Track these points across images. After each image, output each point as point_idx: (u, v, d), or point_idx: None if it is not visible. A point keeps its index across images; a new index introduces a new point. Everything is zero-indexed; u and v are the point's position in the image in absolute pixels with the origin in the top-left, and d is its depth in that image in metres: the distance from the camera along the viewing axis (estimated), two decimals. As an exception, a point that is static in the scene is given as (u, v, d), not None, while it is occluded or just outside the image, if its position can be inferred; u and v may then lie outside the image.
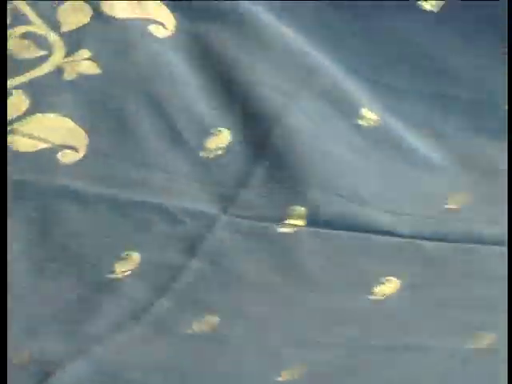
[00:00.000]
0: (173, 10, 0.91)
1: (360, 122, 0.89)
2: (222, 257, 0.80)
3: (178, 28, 0.91)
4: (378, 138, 0.90)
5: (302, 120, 0.89)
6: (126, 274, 0.76)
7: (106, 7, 0.89)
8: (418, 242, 0.82)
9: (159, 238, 0.79)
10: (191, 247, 0.79)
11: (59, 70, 0.86)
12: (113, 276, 0.76)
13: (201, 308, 0.73)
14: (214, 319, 0.72)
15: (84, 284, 0.75)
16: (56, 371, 0.68)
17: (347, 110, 0.90)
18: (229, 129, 0.87)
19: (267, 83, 0.89)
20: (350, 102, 0.90)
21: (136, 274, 0.76)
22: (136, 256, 0.77)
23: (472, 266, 0.79)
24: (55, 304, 0.75)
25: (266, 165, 0.86)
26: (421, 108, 0.95)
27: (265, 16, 0.91)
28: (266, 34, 0.92)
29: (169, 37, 0.90)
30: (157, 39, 0.89)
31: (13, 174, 0.79)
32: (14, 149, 0.82)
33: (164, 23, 0.90)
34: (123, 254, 0.77)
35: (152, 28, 0.89)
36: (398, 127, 0.92)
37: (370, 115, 0.90)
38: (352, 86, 0.92)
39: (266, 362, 0.68)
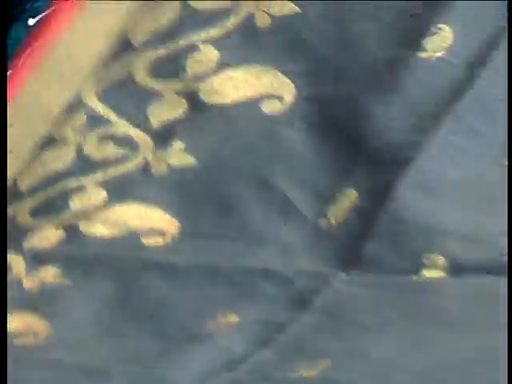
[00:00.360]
0: (294, 77, 0.82)
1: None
2: (339, 308, 0.76)
3: (297, 97, 0.82)
4: None
5: (439, 160, 0.82)
6: (219, 328, 0.72)
7: (205, 95, 0.82)
8: None
9: (263, 300, 0.75)
10: (301, 303, 0.75)
11: (146, 166, 0.81)
12: (203, 331, 0.71)
13: (309, 354, 0.70)
14: (324, 362, 0.68)
15: (169, 337, 0.72)
16: None
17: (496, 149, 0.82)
18: (355, 189, 0.82)
19: (397, 125, 0.82)
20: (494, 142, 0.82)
21: (232, 328, 0.71)
22: (233, 316, 0.73)
23: None
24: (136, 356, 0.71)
25: (393, 214, 0.80)
26: None
27: None
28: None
29: (284, 111, 0.81)
30: (269, 117, 0.81)
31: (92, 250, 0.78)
32: (98, 235, 0.79)
33: (281, 95, 0.81)
34: (218, 315, 0.72)
35: (264, 105, 0.81)
36: None
37: None
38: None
39: None
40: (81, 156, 0.80)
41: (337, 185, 0.81)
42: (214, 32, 0.81)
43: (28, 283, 0.74)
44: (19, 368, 0.64)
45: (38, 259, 0.77)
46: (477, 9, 0.80)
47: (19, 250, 0.77)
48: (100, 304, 0.75)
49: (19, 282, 0.75)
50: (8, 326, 0.67)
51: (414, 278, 0.75)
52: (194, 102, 0.81)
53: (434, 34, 0.77)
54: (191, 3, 0.82)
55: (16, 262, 0.76)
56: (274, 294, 0.74)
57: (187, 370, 0.65)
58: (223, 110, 0.81)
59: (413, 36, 0.79)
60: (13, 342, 0.68)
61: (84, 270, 0.78)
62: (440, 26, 0.77)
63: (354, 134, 0.81)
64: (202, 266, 0.77)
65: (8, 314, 0.68)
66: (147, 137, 0.80)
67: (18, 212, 0.77)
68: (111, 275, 0.78)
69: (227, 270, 0.76)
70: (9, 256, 0.75)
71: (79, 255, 0.78)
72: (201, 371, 0.66)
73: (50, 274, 0.74)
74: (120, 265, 0.78)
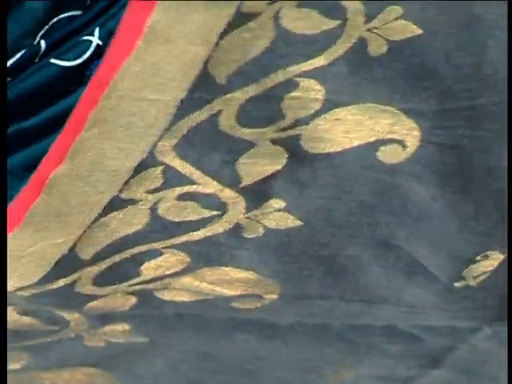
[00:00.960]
0: (417, 117, 0.73)
1: None
2: (477, 365, 0.68)
3: (423, 142, 0.73)
4: None
5: None
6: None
7: (308, 142, 0.73)
8: None
9: (384, 356, 0.67)
10: (432, 360, 0.67)
11: (237, 229, 0.73)
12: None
13: None
14: None
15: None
16: None
17: None
18: (499, 250, 0.75)
19: None
20: None
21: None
22: (347, 371, 0.66)
23: None
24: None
25: None
26: None
27: None
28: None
29: (408, 159, 0.72)
30: (388, 167, 0.72)
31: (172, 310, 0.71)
32: (179, 299, 0.73)
33: (404, 139, 0.72)
34: (326, 371, 0.65)
35: (383, 152, 0.72)
36: None
37: None
38: None
39: None
40: (155, 219, 0.72)
41: (479, 248, 0.74)
42: (316, 62, 0.71)
43: (91, 341, 0.66)
44: None
45: (103, 319, 0.68)
46: None
47: (79, 311, 0.70)
48: (179, 356, 0.65)
49: (79, 339, 0.65)
50: (71, 377, 0.61)
51: None
52: (295, 151, 0.72)
53: None
54: (287, 26, 0.70)
55: (75, 320, 0.67)
56: (398, 351, 0.66)
57: None
58: (331, 160, 0.72)
59: None
60: None
61: (161, 327, 0.68)
62: None
63: (494, 188, 0.73)
64: (307, 324, 0.69)
65: (63, 372, 0.61)
66: (238, 195, 0.71)
67: (79, 281, 0.70)
68: (194, 331, 0.68)
69: (339, 328, 0.68)
70: (67, 315, 0.68)
71: (156, 314, 0.70)
72: None
73: (118, 331, 0.67)
74: (206, 323, 0.69)
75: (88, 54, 0.87)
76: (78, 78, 0.84)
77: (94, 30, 0.86)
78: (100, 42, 0.86)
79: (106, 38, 0.85)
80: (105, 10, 0.85)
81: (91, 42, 0.85)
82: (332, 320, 0.69)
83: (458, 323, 0.71)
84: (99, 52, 0.85)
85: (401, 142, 0.70)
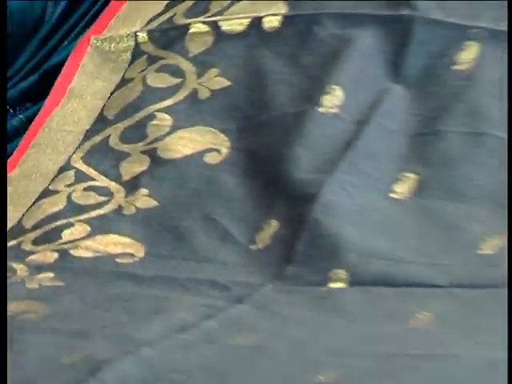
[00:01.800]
0: (228, 134, 1.07)
1: (392, 195, 1.03)
2: (267, 303, 0.92)
3: (231, 149, 1.06)
4: (410, 207, 1.04)
5: (338, 194, 1.02)
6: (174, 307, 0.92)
7: (162, 152, 1.07)
8: (456, 290, 0.94)
9: (209, 298, 0.94)
10: (238, 300, 0.92)
11: (120, 208, 1.05)
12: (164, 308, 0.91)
13: (244, 328, 0.85)
14: (253, 336, 0.84)
15: (137, 312, 0.91)
16: (103, 368, 0.75)
17: (380, 185, 1.04)
18: (276, 219, 1.01)
19: (304, 168, 1.04)
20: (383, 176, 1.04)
21: (186, 308, 0.92)
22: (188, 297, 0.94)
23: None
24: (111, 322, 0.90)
25: (307, 239, 0.98)
26: None
27: None
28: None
29: (221, 161, 1.06)
30: (210, 167, 1.06)
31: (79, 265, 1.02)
32: (84, 257, 1.01)
33: (219, 148, 1.05)
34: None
35: (207, 157, 1.06)
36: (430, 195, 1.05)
37: (400, 189, 1.04)
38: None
39: (306, 366, 0.77)
40: (70, 203, 1.05)
41: (262, 217, 1.03)
42: (167, 103, 1.06)
43: (30, 284, 0.98)
44: (24, 334, 0.86)
45: (38, 269, 1.02)
46: (364, 70, 1.02)
47: (23, 263, 1.02)
48: (83, 293, 0.97)
49: (22, 283, 0.98)
50: (11, 308, 0.90)
51: (322, 289, 0.94)
52: (154, 158, 1.06)
53: (328, 93, 0.98)
54: (150, 83, 1.08)
55: (20, 269, 0.99)
56: (216, 294, 0.95)
57: (151, 332, 0.85)
58: (176, 163, 1.05)
59: (313, 94, 1.02)
60: (16, 318, 0.89)
61: (73, 274, 1.01)
62: (333, 86, 0.99)
63: (274, 176, 1.04)
64: (163, 276, 0.99)
65: (13, 303, 0.92)
66: (120, 187, 1.03)
67: (23, 242, 1.03)
68: (92, 278, 1.01)
69: (181, 279, 0.98)
70: (15, 265, 1.01)
71: (69, 266, 1.02)
72: (160, 332, 0.85)
73: (47, 278, 0.99)
74: (100, 275, 1.01)
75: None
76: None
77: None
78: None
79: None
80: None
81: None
82: (177, 274, 0.99)
83: (252, 279, 0.97)
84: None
85: (218, 150, 1.02)
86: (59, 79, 1.17)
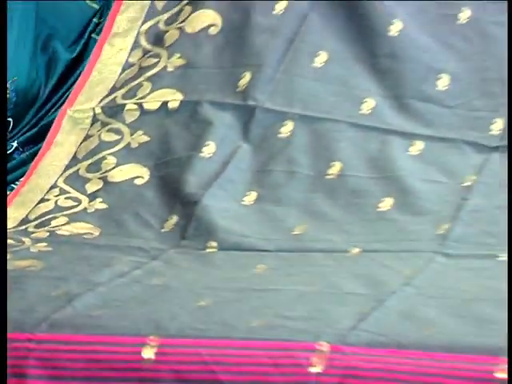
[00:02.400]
0: (151, 166, 1.66)
1: (243, 202, 1.63)
2: (171, 260, 1.52)
3: (150, 176, 1.65)
4: (253, 209, 1.63)
5: (211, 201, 1.62)
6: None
7: (110, 178, 1.64)
8: (279, 253, 1.53)
9: (136, 256, 1.52)
10: (154, 257, 1.51)
11: (85, 209, 1.64)
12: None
13: (158, 275, 1.42)
14: (164, 279, 1.39)
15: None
16: (75, 299, 1.29)
17: (236, 197, 1.64)
18: (176, 215, 1.62)
19: (192, 186, 1.63)
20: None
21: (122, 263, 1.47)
22: (125, 257, 1.50)
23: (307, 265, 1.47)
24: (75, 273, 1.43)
25: (194, 226, 1.59)
26: None
27: None
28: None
29: (144, 183, 1.64)
30: (138, 186, 1.65)
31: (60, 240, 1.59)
32: (60, 233, 1.61)
33: (143, 176, 1.65)
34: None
35: (136, 181, 1.66)
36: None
37: (247, 199, 1.62)
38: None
39: (194, 296, 1.27)
40: (56, 205, 1.64)
41: (168, 214, 1.63)
42: (113, 150, 1.64)
43: (32, 249, 1.55)
44: (28, 279, 1.41)
45: (37, 241, 1.55)
46: (226, 134, 1.68)
47: (28, 237, 1.57)
48: (65, 258, 1.49)
49: (28, 249, 1.55)
50: (21, 264, 1.44)
51: (202, 252, 1.53)
52: (105, 181, 1.64)
53: (206, 145, 1.60)
54: (103, 138, 1.66)
55: (27, 241, 1.56)
56: (141, 255, 1.51)
57: (103, 277, 1.36)
58: (118, 184, 1.64)
59: (197, 146, 1.63)
60: (24, 270, 1.45)
61: (57, 244, 1.55)
62: (208, 141, 1.61)
63: (175, 191, 1.63)
64: (110, 245, 1.56)
65: (22, 261, 1.46)
66: (85, 197, 1.62)
67: (28, 227, 1.60)
68: (71, 248, 1.54)
69: (121, 247, 1.55)
70: (23, 238, 1.56)
71: (55, 240, 1.56)
72: (108, 277, 1.37)
73: (42, 246, 1.57)
74: (73, 245, 1.56)
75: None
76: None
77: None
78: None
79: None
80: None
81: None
82: (118, 244, 1.54)
83: (162, 247, 1.55)
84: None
85: (142, 177, 1.61)
86: (49, 134, 1.73)
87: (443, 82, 1.75)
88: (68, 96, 1.89)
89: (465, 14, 1.78)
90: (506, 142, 1.74)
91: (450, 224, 1.60)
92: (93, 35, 2.00)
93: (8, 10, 1.83)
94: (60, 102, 1.93)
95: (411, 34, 1.82)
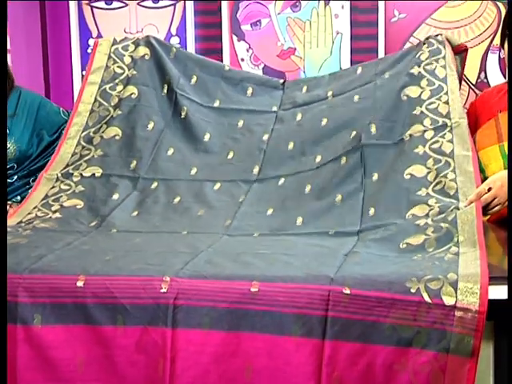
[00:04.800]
0: (82, 199, 2.57)
1: None
2: (92, 236, 2.30)
3: (84, 204, 2.60)
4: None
5: (115, 215, 2.58)
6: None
7: (64, 203, 2.56)
8: (149, 234, 2.36)
9: None
10: (83, 235, 2.30)
11: (73, 194, 2.67)
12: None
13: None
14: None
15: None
16: (43, 258, 2.02)
17: None
18: (96, 220, 2.56)
19: (107, 209, 2.60)
20: None
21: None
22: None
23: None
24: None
25: (104, 224, 2.47)
26: None
27: None
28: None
29: (81, 208, 2.60)
30: (78, 209, 2.56)
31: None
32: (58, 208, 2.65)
33: (80, 204, 2.58)
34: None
35: (77, 206, 2.56)
36: None
37: None
38: None
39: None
40: (37, 216, 2.48)
41: (93, 219, 2.49)
42: (69, 191, 2.64)
43: (23, 233, 2.26)
44: (18, 247, 2.05)
45: (36, 229, 2.38)
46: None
47: (20, 228, 2.32)
48: (39, 237, 2.25)
49: (20, 233, 2.27)
50: (14, 240, 2.12)
51: (109, 233, 2.33)
52: (62, 207, 2.54)
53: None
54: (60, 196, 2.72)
55: (20, 230, 2.30)
56: (79, 235, 2.27)
57: (59, 245, 2.12)
58: (68, 208, 2.54)
59: (108, 193, 2.61)
60: (16, 243, 2.11)
61: (34, 232, 2.30)
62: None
63: (97, 211, 2.54)
64: (62, 230, 2.32)
65: (15, 239, 2.16)
66: (51, 212, 2.48)
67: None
68: (39, 233, 2.29)
69: (68, 231, 2.32)
70: (18, 229, 2.28)
71: (34, 230, 2.35)
72: (64, 244, 2.16)
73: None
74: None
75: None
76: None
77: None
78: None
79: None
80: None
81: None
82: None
83: (88, 231, 2.38)
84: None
85: (80, 205, 2.57)
86: (33, 187, 2.62)
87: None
88: (45, 164, 2.75)
89: None
90: (261, 177, 2.62)
91: (231, 220, 2.40)
92: (62, 131, 2.85)
93: (20, 105, 2.88)
94: (47, 159, 2.81)
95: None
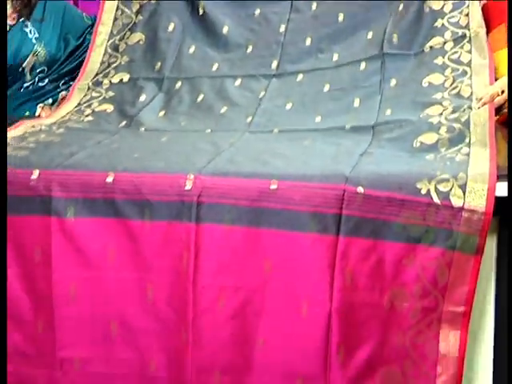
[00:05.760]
0: (112, 103, 2.65)
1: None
2: (122, 135, 2.42)
3: (113, 108, 2.65)
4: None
5: (143, 114, 2.62)
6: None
7: (96, 107, 2.61)
8: (174, 132, 2.38)
9: None
10: (112, 134, 2.39)
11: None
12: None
13: None
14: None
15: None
16: (75, 155, 2.06)
17: None
18: (125, 120, 2.59)
19: (136, 109, 2.67)
20: None
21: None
22: None
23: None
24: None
25: (133, 123, 2.53)
26: None
27: None
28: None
29: (111, 112, 2.65)
30: (108, 113, 2.76)
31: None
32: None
33: (110, 108, 2.64)
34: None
35: (107, 110, 2.65)
36: None
37: None
38: None
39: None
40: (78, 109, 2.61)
41: (121, 121, 2.55)
42: (100, 98, 2.68)
43: (56, 132, 2.32)
44: (52, 145, 2.15)
45: (57, 128, 2.37)
46: None
47: (54, 127, 2.39)
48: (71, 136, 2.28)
49: (54, 132, 2.33)
50: (49, 139, 2.18)
51: (138, 131, 2.42)
52: (94, 111, 2.60)
53: None
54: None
55: (54, 129, 2.36)
56: (109, 134, 2.34)
57: (89, 143, 2.19)
58: (98, 113, 2.59)
59: (136, 96, 2.68)
60: (50, 141, 2.17)
61: (67, 132, 2.35)
62: None
63: (125, 112, 2.62)
64: (92, 129, 2.40)
65: (49, 137, 2.20)
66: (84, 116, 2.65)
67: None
68: (72, 132, 2.33)
69: (98, 130, 2.42)
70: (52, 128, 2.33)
71: (67, 129, 2.37)
72: (94, 142, 2.21)
73: (60, 131, 2.36)
74: (73, 130, 2.37)
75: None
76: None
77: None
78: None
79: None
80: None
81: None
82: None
83: (118, 130, 2.43)
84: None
85: (110, 109, 2.67)
86: (67, 96, 2.73)
87: None
88: (74, 68, 2.88)
89: None
90: (280, 72, 2.59)
91: (252, 116, 2.43)
92: (87, 36, 2.93)
93: (47, 10, 2.85)
94: (70, 67, 2.93)
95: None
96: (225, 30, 2.77)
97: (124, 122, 2.50)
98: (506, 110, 2.09)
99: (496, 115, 2.07)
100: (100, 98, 2.65)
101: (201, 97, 2.57)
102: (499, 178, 1.75)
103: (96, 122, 2.49)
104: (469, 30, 2.41)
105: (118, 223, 1.91)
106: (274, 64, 2.62)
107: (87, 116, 2.54)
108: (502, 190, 1.75)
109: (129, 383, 1.96)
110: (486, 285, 1.85)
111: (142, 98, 2.63)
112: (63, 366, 1.98)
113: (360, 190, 1.79)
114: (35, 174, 1.97)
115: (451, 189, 1.74)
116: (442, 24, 2.48)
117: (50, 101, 2.83)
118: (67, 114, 2.58)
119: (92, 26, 2.90)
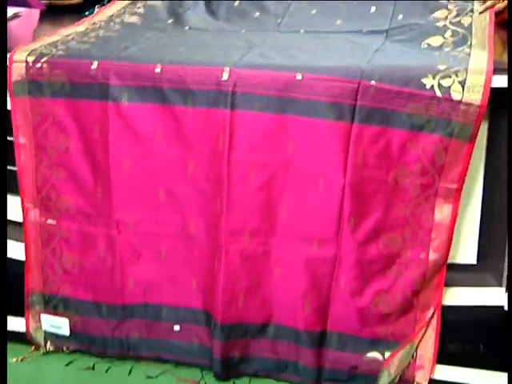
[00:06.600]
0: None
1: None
2: (169, 32, 2.45)
3: None
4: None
5: (190, 17, 2.61)
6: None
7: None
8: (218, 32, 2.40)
9: None
10: (161, 31, 2.44)
11: None
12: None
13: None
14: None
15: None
16: (128, 48, 2.11)
17: None
18: (172, 18, 2.60)
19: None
20: None
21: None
22: None
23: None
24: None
25: (182, 21, 2.55)
26: None
27: None
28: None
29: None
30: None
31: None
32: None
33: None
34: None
35: None
36: None
37: None
38: None
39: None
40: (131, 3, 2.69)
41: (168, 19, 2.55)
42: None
43: (114, 28, 2.43)
44: (109, 40, 2.24)
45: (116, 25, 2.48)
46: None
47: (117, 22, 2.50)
48: (124, 33, 2.35)
49: (112, 28, 2.42)
50: (107, 34, 2.25)
51: (183, 29, 2.44)
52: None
53: None
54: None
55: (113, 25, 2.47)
56: (158, 31, 2.38)
57: (140, 40, 2.26)
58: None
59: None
60: (109, 36, 2.25)
61: (122, 29, 2.44)
62: None
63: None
64: (144, 27, 2.48)
65: (109, 33, 2.30)
66: None
67: None
68: (126, 30, 2.41)
69: (154, 27, 2.44)
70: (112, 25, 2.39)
71: (122, 25, 2.46)
72: (144, 39, 2.23)
73: (117, 28, 2.47)
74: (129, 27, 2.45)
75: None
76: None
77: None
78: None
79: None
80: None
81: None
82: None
83: (164, 26, 2.53)
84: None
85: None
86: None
87: None
88: None
89: None
90: None
91: (282, 18, 2.50)
92: None
93: None
94: None
95: None
96: None
97: (171, 20, 2.57)
98: (505, 12, 2.25)
99: (496, 18, 2.21)
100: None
101: (237, 2, 2.64)
102: (495, 71, 1.87)
103: (147, 17, 2.58)
104: None
105: (164, 109, 2.03)
106: None
107: (139, 8, 2.65)
108: (497, 82, 1.86)
109: (173, 242, 2.13)
110: (476, 167, 1.99)
111: (188, 1, 2.72)
112: (119, 226, 2.15)
113: (373, 83, 1.89)
114: (95, 64, 2.08)
115: (452, 84, 1.85)
116: None
117: (105, 1, 2.88)
118: (122, 8, 2.69)
119: None
